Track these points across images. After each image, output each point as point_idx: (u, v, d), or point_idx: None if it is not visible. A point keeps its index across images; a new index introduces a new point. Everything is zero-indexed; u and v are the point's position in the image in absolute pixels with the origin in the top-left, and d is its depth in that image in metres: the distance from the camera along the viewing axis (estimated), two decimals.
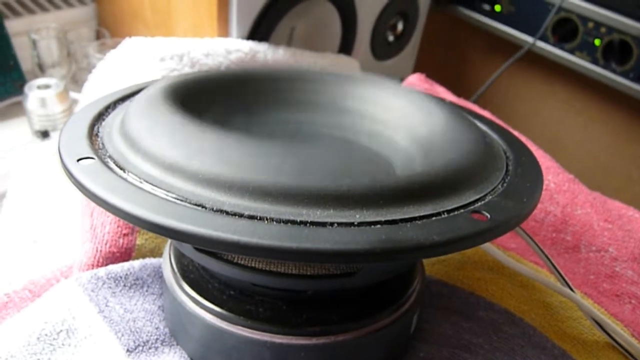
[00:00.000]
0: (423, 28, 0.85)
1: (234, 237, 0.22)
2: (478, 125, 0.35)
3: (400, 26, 0.81)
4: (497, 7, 0.89)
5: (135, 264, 0.37)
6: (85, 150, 0.27)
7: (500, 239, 0.42)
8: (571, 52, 0.83)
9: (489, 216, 0.25)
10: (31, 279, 0.38)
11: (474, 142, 0.30)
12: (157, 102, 0.30)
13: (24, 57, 0.68)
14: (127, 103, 0.34)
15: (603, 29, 0.80)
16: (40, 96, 0.61)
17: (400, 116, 0.33)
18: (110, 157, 0.27)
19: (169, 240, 0.35)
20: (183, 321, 0.32)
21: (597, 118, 0.87)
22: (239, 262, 0.28)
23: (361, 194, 0.24)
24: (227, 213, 0.23)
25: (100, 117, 0.32)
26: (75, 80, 0.70)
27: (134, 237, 0.38)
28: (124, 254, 0.38)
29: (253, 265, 0.29)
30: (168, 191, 0.25)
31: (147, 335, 0.33)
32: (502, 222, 0.25)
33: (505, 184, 0.28)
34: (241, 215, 0.23)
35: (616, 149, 0.86)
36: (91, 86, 0.52)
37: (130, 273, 0.36)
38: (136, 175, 0.26)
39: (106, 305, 0.34)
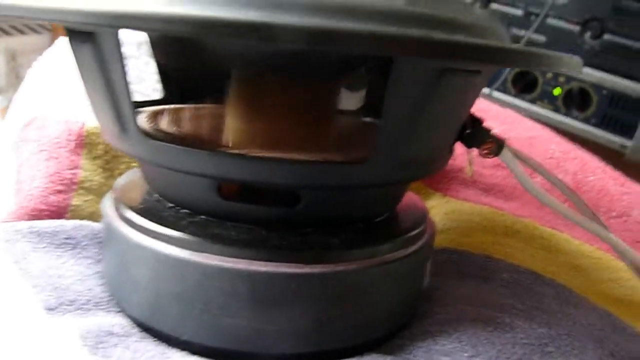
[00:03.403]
0: None
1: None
2: None
3: None
4: None
5: (67, 223, 0.29)
6: None
7: (515, 208, 0.36)
8: (533, 102, 0.83)
9: None
10: None
11: None
12: None
13: None
14: None
15: (562, 79, 0.81)
16: None
17: None
18: None
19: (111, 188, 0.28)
20: (129, 266, 0.24)
21: None
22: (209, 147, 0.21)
23: (393, 12, 0.18)
24: None
25: None
26: None
27: (69, 196, 0.31)
28: (54, 214, 0.30)
29: (230, 152, 0.22)
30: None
31: (74, 295, 0.25)
32: None
33: None
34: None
35: None
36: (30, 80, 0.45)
37: (60, 231, 0.28)
38: None
39: (24, 258, 0.25)
